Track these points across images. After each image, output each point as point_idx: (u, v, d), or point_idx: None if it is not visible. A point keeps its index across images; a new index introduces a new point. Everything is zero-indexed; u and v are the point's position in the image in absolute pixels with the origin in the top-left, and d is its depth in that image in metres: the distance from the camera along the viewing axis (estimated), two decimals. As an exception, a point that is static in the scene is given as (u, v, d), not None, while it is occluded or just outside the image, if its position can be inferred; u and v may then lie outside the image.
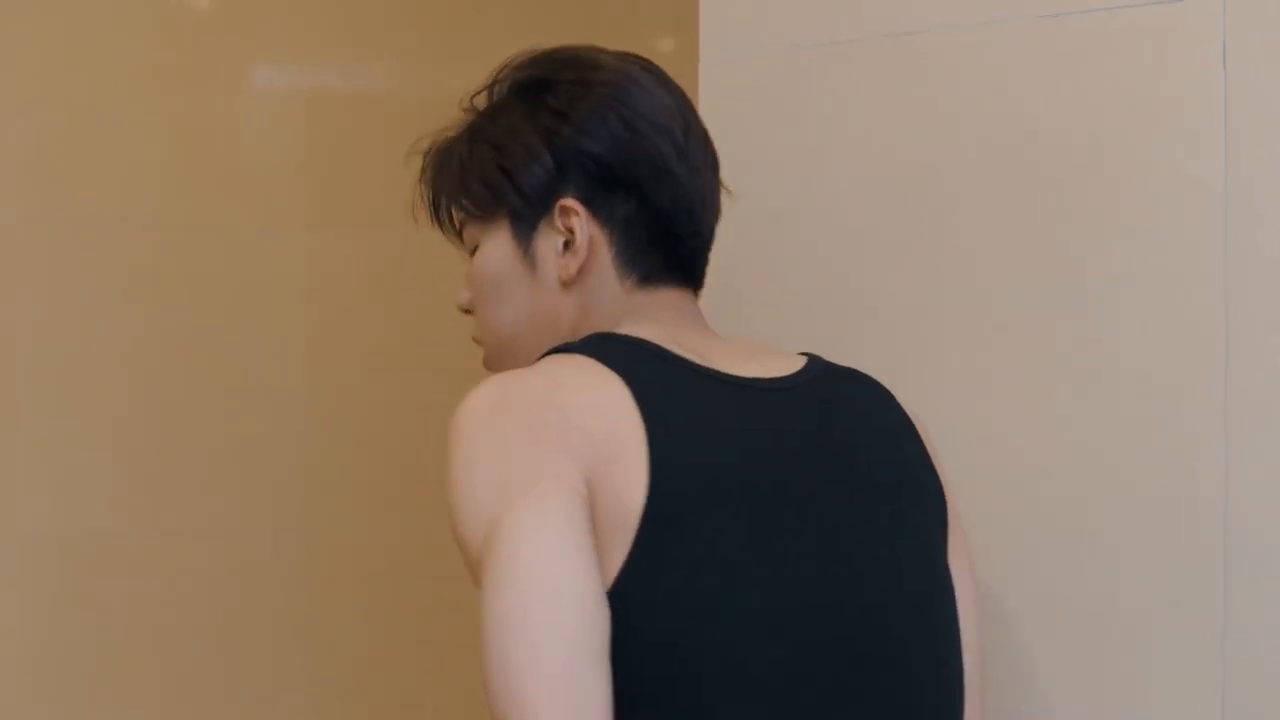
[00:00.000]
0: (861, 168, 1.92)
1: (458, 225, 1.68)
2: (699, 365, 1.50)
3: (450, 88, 1.51)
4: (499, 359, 1.65)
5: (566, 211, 1.57)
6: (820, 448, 1.50)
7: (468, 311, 1.68)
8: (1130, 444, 1.72)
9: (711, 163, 1.65)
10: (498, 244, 1.61)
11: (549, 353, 1.51)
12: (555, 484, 1.35)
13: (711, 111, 2.08)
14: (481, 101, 1.67)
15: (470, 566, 1.37)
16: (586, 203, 1.57)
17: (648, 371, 1.46)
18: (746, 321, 1.95)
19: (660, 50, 3.39)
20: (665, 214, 1.59)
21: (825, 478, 1.49)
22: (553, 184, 1.58)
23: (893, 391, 1.59)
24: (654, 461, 1.38)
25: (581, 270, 1.58)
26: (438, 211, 1.71)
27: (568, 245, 1.58)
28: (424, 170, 1.70)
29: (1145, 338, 1.68)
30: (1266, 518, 1.63)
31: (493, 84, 1.66)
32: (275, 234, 2.99)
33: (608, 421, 1.41)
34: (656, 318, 1.58)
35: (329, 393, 3.05)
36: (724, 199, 1.66)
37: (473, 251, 1.65)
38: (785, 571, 1.42)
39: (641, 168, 1.58)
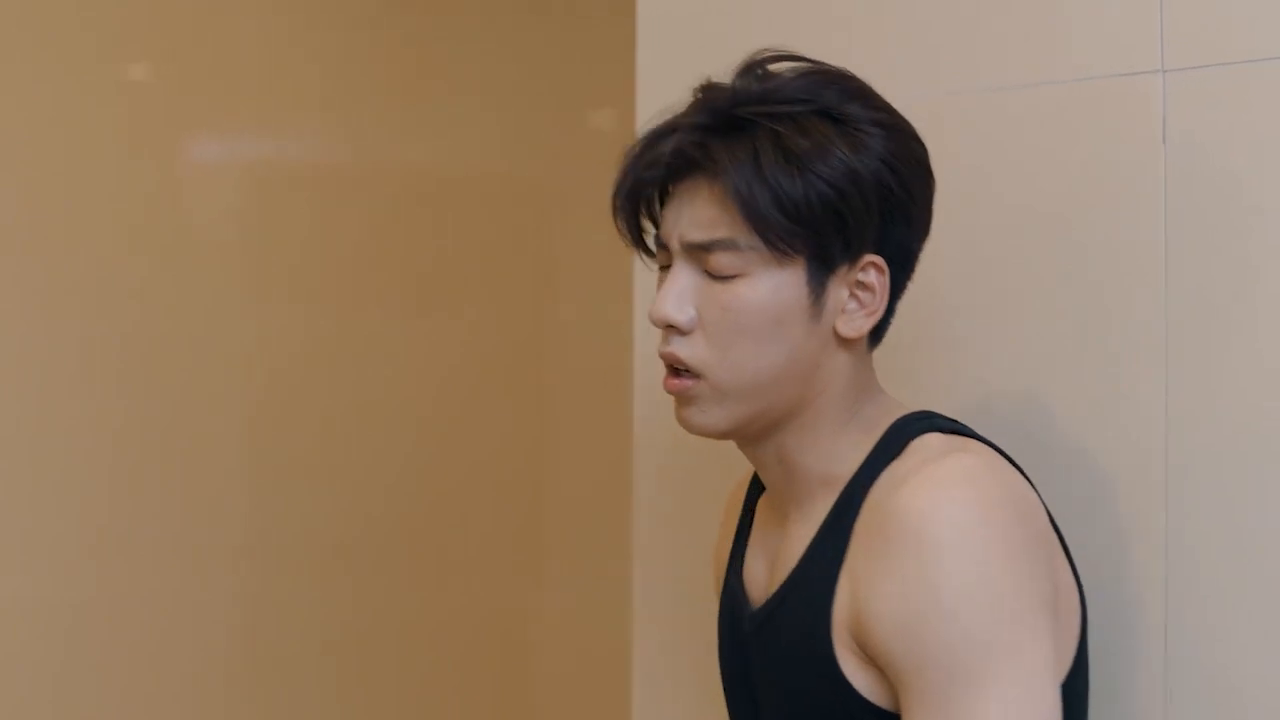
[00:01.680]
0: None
1: (703, 238, 1.51)
2: None
3: (389, 158, 1.50)
4: (724, 397, 1.52)
5: (872, 268, 1.51)
6: None
7: (673, 329, 1.53)
8: (1074, 503, 1.70)
9: None
10: (787, 283, 1.49)
11: (918, 428, 1.51)
12: (1050, 620, 1.41)
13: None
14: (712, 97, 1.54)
15: (944, 649, 1.38)
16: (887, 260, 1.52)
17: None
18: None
19: (596, 124, 3.40)
20: (907, 280, 1.58)
21: None
22: (872, 239, 1.51)
23: None
24: (1073, 566, 1.53)
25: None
26: (649, 205, 1.57)
27: (853, 298, 1.51)
28: (682, 154, 1.52)
29: (1088, 410, 1.67)
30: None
31: (768, 87, 1.52)
32: (216, 303, 3.00)
33: (1049, 529, 1.50)
34: (883, 388, 1.59)
35: (272, 460, 3.07)
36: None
37: (725, 275, 1.50)
38: None
39: (921, 235, 1.56)
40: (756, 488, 1.74)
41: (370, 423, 3.15)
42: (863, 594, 1.44)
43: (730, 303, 1.50)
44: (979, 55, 1.69)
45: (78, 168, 2.83)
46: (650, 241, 1.61)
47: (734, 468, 1.83)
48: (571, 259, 3.39)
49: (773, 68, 1.55)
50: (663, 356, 1.55)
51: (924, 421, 1.54)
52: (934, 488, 1.42)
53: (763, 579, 1.64)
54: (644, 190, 1.55)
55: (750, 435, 1.58)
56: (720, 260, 1.49)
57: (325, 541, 3.09)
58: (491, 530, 3.33)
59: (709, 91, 1.56)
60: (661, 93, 2.07)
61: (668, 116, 1.58)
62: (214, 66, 2.99)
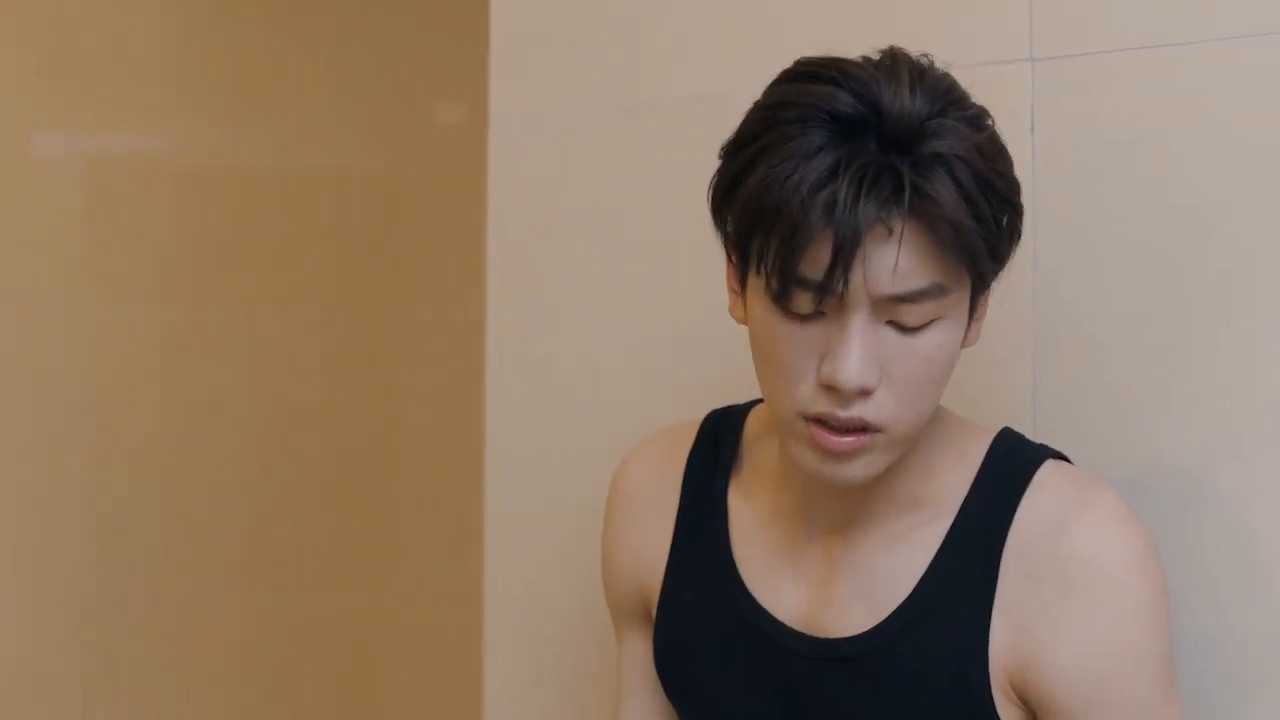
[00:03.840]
0: (657, 231, 1.88)
1: (909, 289, 1.31)
2: None
3: (235, 153, 1.46)
4: (897, 446, 1.38)
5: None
6: None
7: (866, 393, 1.34)
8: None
9: None
10: (960, 318, 1.36)
11: (1030, 455, 1.44)
12: None
13: (502, 179, 2.03)
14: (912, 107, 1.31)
15: (1131, 691, 1.39)
16: None
17: None
18: (545, 373, 1.89)
19: (447, 117, 3.36)
20: None
21: None
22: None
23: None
24: None
25: None
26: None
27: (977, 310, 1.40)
28: (917, 196, 1.29)
29: (956, 397, 1.66)
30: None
31: (929, 103, 1.32)
32: (58, 301, 2.96)
33: None
34: None
35: (117, 460, 3.02)
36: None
37: (917, 325, 1.33)
38: None
39: None
40: (702, 478, 1.57)
41: (217, 424, 3.10)
42: (1033, 640, 1.39)
43: (930, 352, 1.34)
44: (848, 43, 1.66)
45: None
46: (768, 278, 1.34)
47: (589, 468, 1.79)
48: (422, 256, 3.35)
49: (901, 67, 1.35)
50: (838, 423, 1.35)
51: (1024, 444, 1.47)
52: (1109, 531, 1.39)
53: (802, 600, 1.49)
54: (858, 241, 1.29)
55: None
56: (923, 309, 1.32)
57: (167, 543, 3.05)
58: (340, 532, 3.29)
59: (875, 107, 1.32)
60: (516, 85, 2.03)
61: (808, 131, 1.33)
62: (57, 61, 2.94)
